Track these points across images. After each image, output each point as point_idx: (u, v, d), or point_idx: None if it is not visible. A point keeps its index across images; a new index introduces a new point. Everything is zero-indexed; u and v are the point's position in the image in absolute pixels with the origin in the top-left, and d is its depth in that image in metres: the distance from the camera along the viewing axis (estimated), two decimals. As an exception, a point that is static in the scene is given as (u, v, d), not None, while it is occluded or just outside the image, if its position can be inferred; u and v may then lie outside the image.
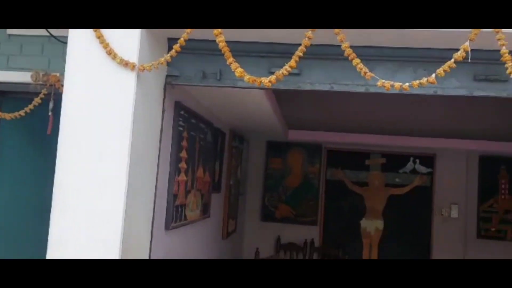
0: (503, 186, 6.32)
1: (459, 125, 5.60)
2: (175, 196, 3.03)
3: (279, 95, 4.39)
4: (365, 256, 6.46)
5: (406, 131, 5.87)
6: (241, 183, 5.75)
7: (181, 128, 3.05)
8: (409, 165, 6.49)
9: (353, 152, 6.52)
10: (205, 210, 3.87)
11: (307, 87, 2.67)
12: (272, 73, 2.39)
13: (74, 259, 2.22)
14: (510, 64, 2.31)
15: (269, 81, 2.38)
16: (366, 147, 6.39)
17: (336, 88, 2.67)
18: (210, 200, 4.01)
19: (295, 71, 2.63)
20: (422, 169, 6.45)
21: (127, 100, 2.34)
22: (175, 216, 3.06)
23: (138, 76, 2.37)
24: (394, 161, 6.51)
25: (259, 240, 6.04)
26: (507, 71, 2.31)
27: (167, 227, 2.93)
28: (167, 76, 2.68)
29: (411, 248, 6.40)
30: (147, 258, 2.61)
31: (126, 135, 2.32)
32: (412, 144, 6.03)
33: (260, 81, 2.37)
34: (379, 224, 6.49)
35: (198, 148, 3.48)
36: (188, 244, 3.54)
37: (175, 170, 2.98)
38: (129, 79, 2.35)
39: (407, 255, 6.38)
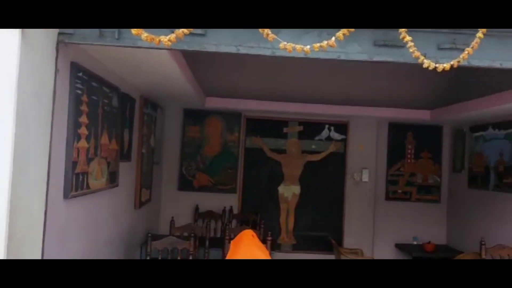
0: (409, 150, 6.73)
1: (370, 94, 5.84)
2: (75, 163, 2.85)
3: (192, 60, 4.26)
4: (282, 220, 6.64)
5: (322, 100, 6.02)
6: (156, 152, 5.59)
7: (79, 91, 2.85)
8: (325, 132, 6.68)
9: (271, 120, 6.58)
10: (113, 179, 3.71)
11: (212, 48, 2.60)
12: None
13: None
14: (404, 29, 2.39)
15: (169, 40, 2.27)
16: (284, 115, 6.48)
17: (242, 50, 2.63)
18: (118, 168, 3.85)
19: (200, 31, 2.55)
20: (336, 136, 6.68)
21: (9, 60, 2.12)
22: (76, 184, 2.89)
23: (23, 32, 2.15)
24: (311, 128, 6.67)
25: (177, 209, 5.96)
26: (401, 36, 2.39)
27: (66, 195, 2.76)
28: (59, 33, 2.47)
29: (326, 211, 6.67)
30: (42, 228, 2.44)
31: (10, 98, 2.11)
32: (327, 111, 6.19)
33: (159, 40, 2.26)
34: (296, 189, 6.67)
35: (102, 114, 3.29)
36: (93, 214, 3.39)
37: (73, 136, 2.80)
38: (12, 36, 2.13)
39: (322, 218, 6.65)
